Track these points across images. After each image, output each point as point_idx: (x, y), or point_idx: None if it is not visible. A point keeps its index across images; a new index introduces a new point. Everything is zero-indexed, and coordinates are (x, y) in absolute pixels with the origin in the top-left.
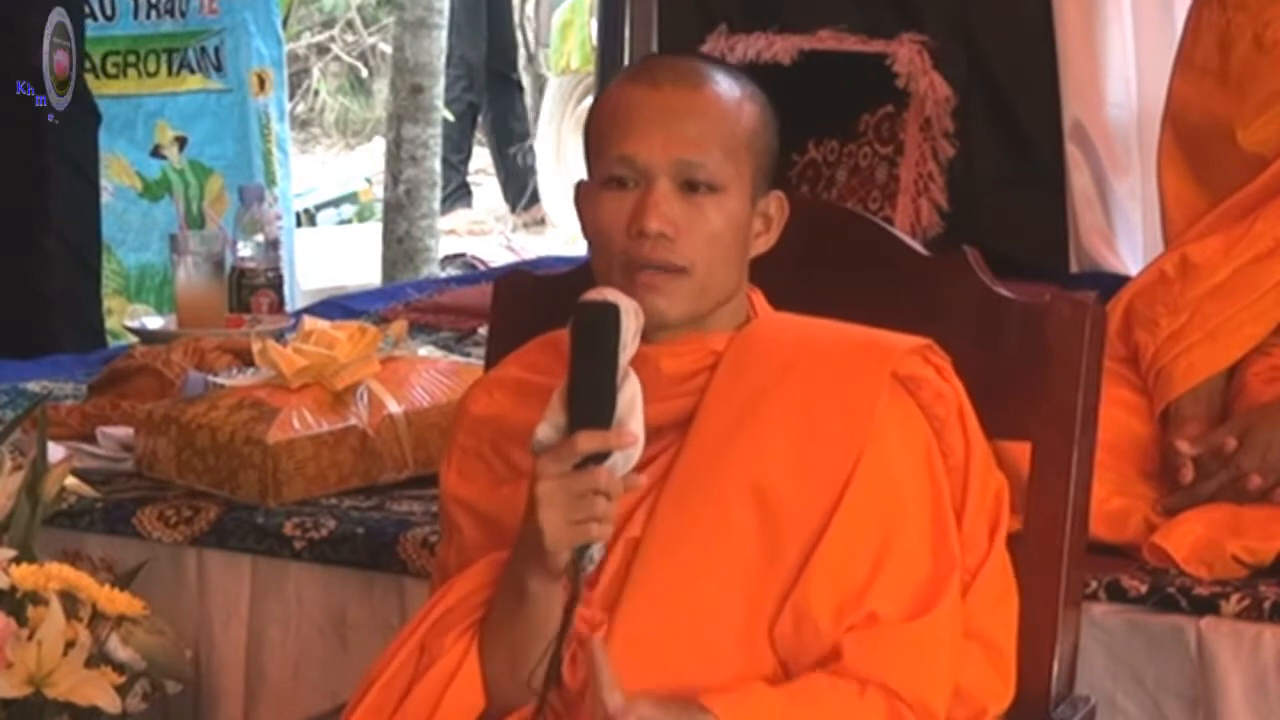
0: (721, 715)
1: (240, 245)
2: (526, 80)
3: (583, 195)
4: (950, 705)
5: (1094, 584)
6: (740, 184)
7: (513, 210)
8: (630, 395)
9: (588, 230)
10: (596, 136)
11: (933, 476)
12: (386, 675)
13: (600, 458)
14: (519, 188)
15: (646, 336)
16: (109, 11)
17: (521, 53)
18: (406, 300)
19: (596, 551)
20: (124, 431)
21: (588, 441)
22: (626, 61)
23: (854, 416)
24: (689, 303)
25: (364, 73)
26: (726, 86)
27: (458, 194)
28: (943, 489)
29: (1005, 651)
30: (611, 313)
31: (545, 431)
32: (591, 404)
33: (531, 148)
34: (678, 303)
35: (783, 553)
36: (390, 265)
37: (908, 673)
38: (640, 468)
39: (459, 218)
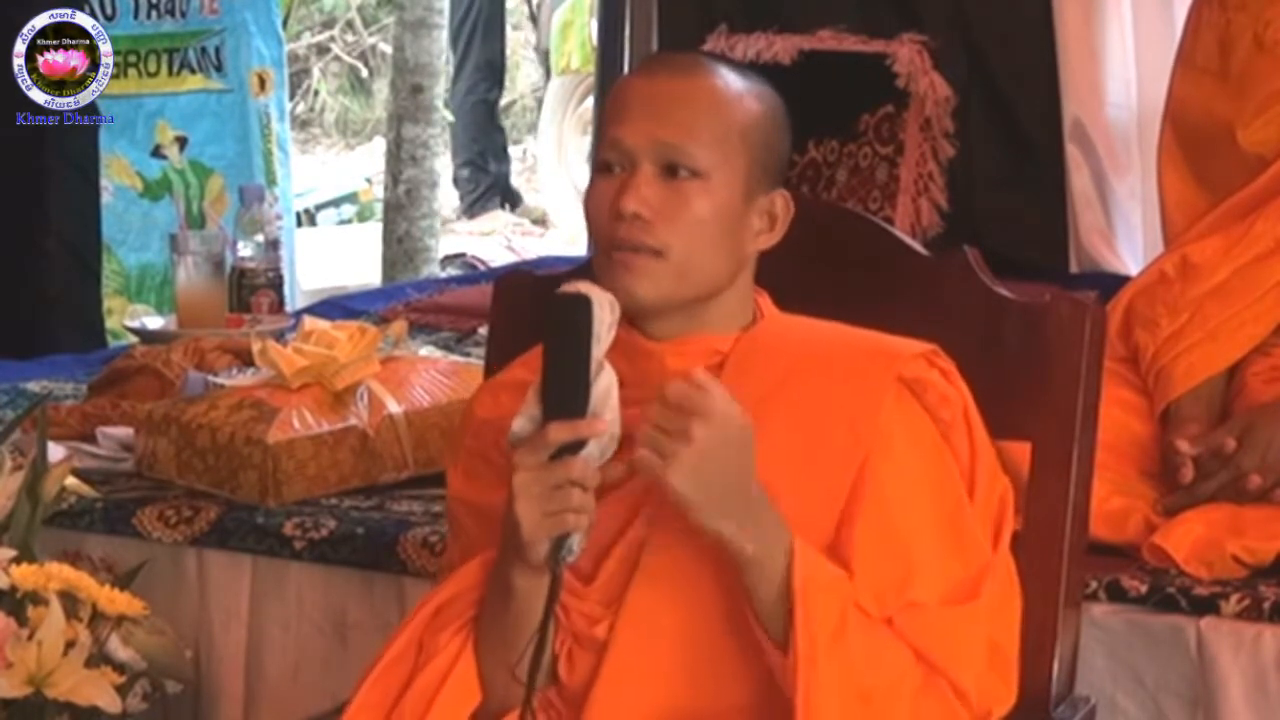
0: (796, 547)
1: (240, 245)
2: (527, 80)
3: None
4: None
5: (1094, 584)
6: (729, 174)
7: (468, 216)
8: (605, 387)
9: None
10: (599, 129)
11: (948, 476)
12: (379, 669)
13: (576, 448)
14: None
15: (647, 331)
16: (109, 11)
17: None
18: (406, 300)
19: (575, 543)
20: (124, 431)
21: (559, 432)
22: (626, 61)
23: (857, 422)
24: (665, 286)
25: (364, 73)
26: (725, 79)
27: (487, 195)
28: (959, 488)
29: (1009, 655)
30: (583, 304)
31: (521, 424)
32: (564, 395)
33: (504, 154)
34: (651, 285)
35: None
36: (390, 265)
37: (946, 650)
38: None
39: (495, 219)
